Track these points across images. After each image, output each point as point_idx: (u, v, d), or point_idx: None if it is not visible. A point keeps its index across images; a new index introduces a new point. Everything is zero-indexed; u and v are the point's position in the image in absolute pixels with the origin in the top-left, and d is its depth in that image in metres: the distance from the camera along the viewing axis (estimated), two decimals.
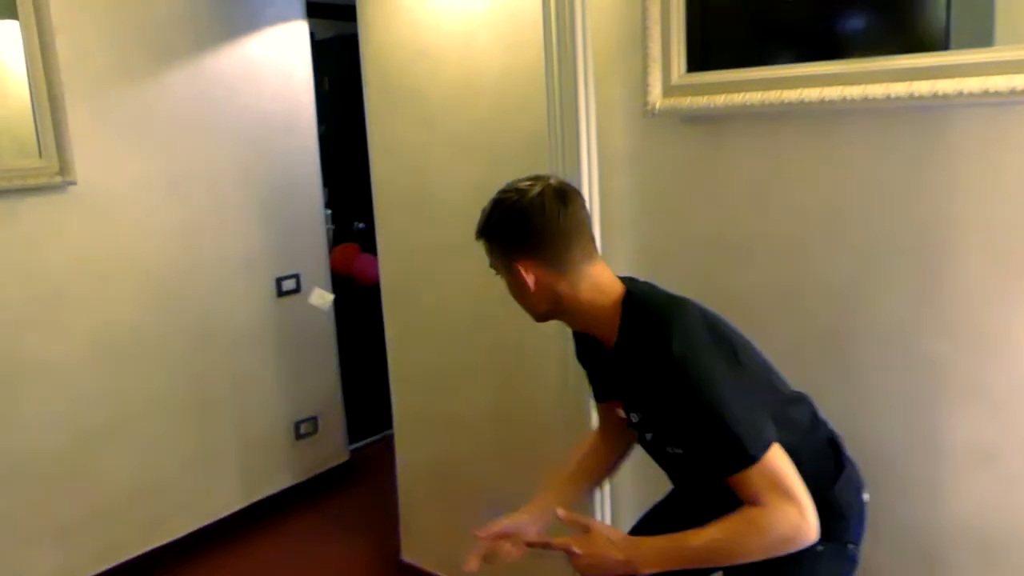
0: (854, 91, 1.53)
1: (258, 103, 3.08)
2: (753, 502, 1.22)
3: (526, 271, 1.37)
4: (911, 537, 1.65)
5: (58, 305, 2.56)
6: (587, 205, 1.90)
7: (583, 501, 1.75)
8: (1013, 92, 1.37)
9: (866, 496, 1.44)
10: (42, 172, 2.43)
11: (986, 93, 1.39)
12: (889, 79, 1.50)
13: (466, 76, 2.19)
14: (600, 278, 1.40)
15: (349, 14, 2.52)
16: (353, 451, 3.67)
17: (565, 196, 1.38)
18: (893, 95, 1.48)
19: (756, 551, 1.24)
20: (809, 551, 1.25)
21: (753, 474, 1.22)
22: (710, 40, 1.78)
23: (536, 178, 1.41)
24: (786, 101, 1.62)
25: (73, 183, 2.51)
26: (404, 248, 2.50)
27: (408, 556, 2.76)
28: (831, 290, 1.68)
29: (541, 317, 1.45)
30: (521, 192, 1.38)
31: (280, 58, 3.15)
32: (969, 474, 1.57)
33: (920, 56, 1.48)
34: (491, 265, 1.45)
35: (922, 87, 1.45)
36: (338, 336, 3.50)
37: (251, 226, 3.10)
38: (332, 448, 3.50)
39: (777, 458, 1.23)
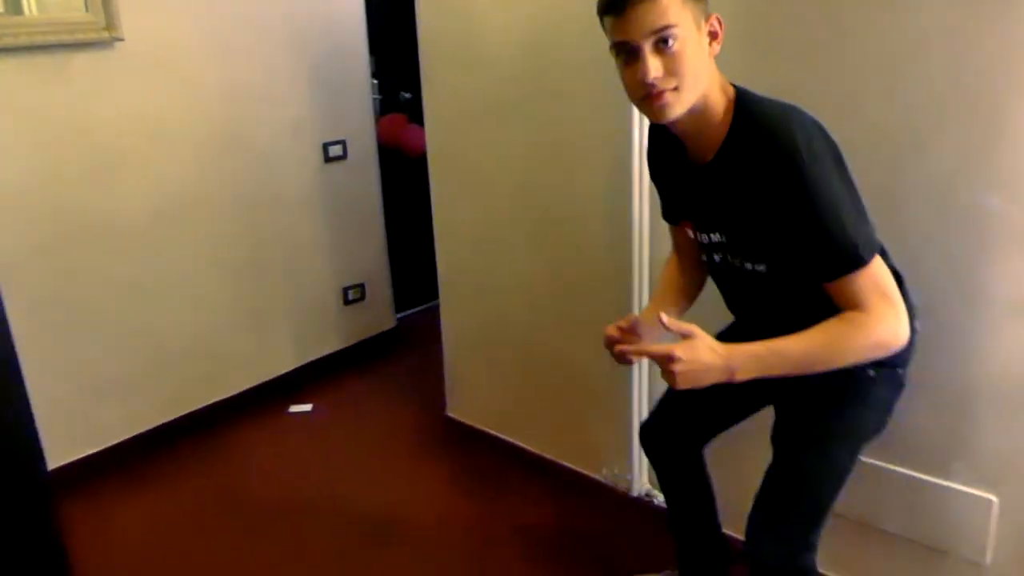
0: None
1: None
2: (855, 306, 1.24)
3: (721, 26, 1.28)
4: (946, 387, 1.66)
5: (112, 164, 2.62)
6: None
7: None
8: None
9: (918, 324, 1.41)
10: (89, 27, 2.44)
11: None
12: None
13: None
14: (719, 72, 1.32)
15: None
16: (400, 319, 3.76)
17: None
18: None
19: (855, 354, 1.26)
20: (864, 377, 1.31)
21: (861, 277, 1.23)
22: None
23: None
24: None
25: (120, 39, 2.51)
26: (451, 107, 2.48)
27: (453, 412, 2.87)
28: (884, 144, 1.62)
29: (692, 99, 1.27)
30: None
31: None
32: (1007, 327, 1.56)
33: None
34: (659, 28, 1.21)
35: None
36: (385, 208, 3.53)
37: (299, 90, 3.09)
38: (379, 314, 3.59)
39: (880, 264, 1.25)
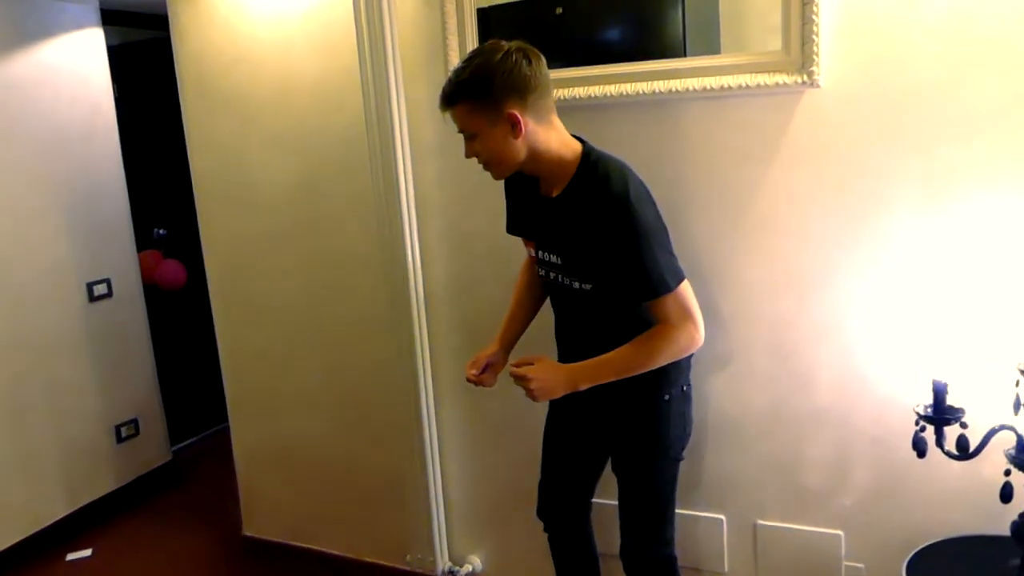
0: (611, 89, 1.95)
1: (56, 109, 3.08)
2: (663, 320, 1.60)
3: (522, 114, 1.55)
4: None
5: None
6: (404, 187, 2.24)
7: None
8: (724, 88, 1.84)
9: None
10: None
11: (706, 89, 1.86)
12: (638, 79, 1.93)
13: (284, 79, 2.40)
14: (563, 132, 1.65)
15: (143, 21, 2.62)
16: (177, 450, 3.72)
17: (535, 52, 1.59)
18: (640, 92, 1.92)
19: (663, 356, 1.62)
20: (661, 402, 1.71)
21: (668, 300, 1.58)
22: None
23: (493, 43, 1.59)
24: (562, 98, 2.00)
25: None
26: (229, 240, 2.66)
27: (250, 531, 2.92)
28: None
29: (510, 168, 1.63)
30: (495, 50, 1.56)
31: (77, 65, 3.17)
32: (711, 378, 2.04)
33: (660, 62, 1.92)
34: (463, 129, 1.61)
35: (661, 85, 1.90)
36: (153, 341, 3.53)
37: (57, 232, 3.09)
38: (155, 449, 3.53)
39: (686, 289, 1.61)
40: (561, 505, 2.01)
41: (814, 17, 1.72)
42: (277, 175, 2.51)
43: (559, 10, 2.10)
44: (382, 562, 2.66)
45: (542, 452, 2.01)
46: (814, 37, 1.73)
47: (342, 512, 2.71)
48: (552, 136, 1.62)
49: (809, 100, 1.80)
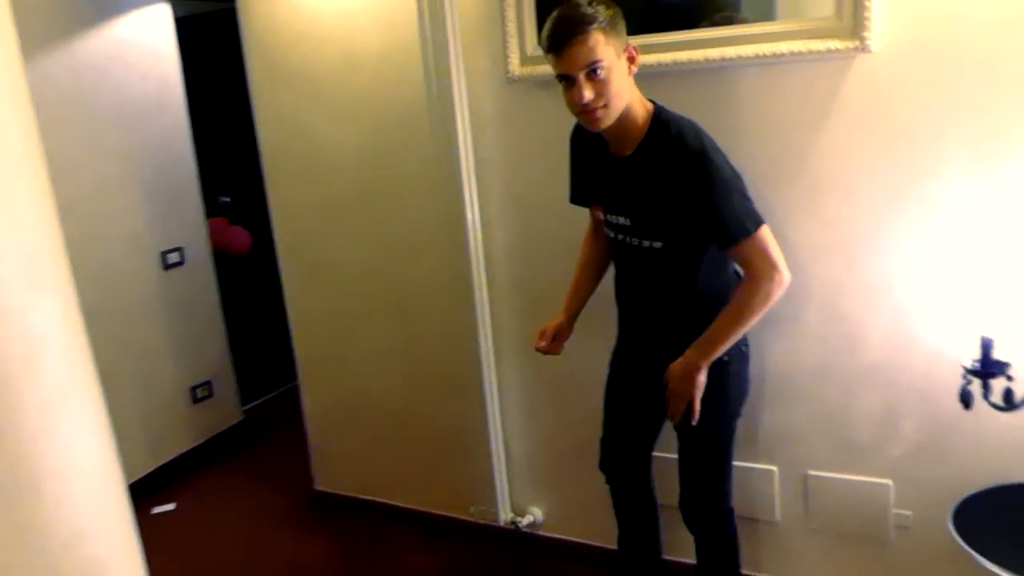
0: (674, 56, 2.01)
1: (128, 84, 3.24)
2: (745, 266, 1.68)
3: (636, 52, 1.64)
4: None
5: None
6: (463, 156, 2.34)
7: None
8: (777, 55, 1.89)
9: None
10: None
11: (759, 56, 1.91)
12: (693, 47, 1.99)
13: (347, 53, 2.51)
14: (637, 90, 1.69)
15: None
16: (248, 410, 3.92)
17: None
18: (694, 59, 1.98)
19: (760, 312, 1.69)
20: (720, 362, 1.77)
21: (748, 245, 1.64)
22: None
23: None
24: None
25: None
26: (296, 208, 2.79)
27: (321, 486, 3.10)
28: None
29: (618, 112, 1.64)
30: None
31: (147, 39, 3.32)
32: (768, 337, 2.12)
33: (715, 30, 1.97)
34: (593, 62, 1.56)
35: (714, 53, 1.96)
36: (223, 305, 3.72)
37: (133, 203, 3.27)
38: (228, 408, 3.74)
39: (765, 234, 1.66)
40: (623, 459, 2.10)
41: None
42: (343, 146, 2.62)
43: None
44: (448, 513, 2.81)
45: (604, 408, 2.09)
46: (866, 2, 1.77)
47: (408, 466, 2.87)
48: (635, 90, 1.68)
49: (861, 65, 1.84)
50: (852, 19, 1.80)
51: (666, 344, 1.83)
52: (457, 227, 2.39)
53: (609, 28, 1.57)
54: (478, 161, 2.36)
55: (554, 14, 1.61)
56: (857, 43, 1.80)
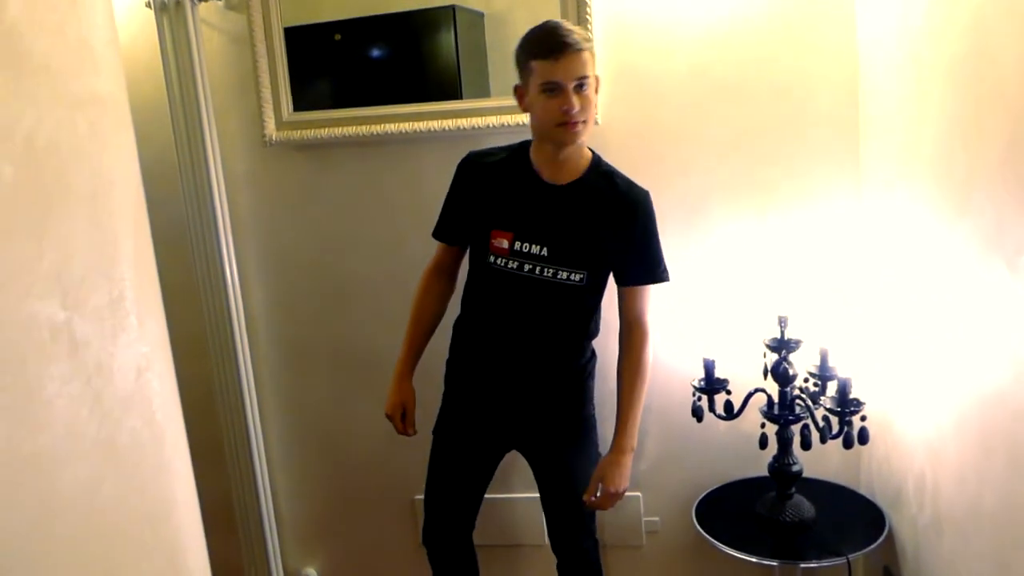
0: (414, 125, 2.17)
1: None
2: (640, 311, 1.85)
3: (597, 80, 1.70)
4: None
5: None
6: (219, 217, 2.29)
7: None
8: (497, 127, 2.12)
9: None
10: None
11: (476, 128, 2.13)
12: (430, 117, 2.17)
13: None
14: None
15: None
16: None
17: None
18: (431, 128, 2.16)
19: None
20: (587, 415, 1.93)
21: (650, 290, 1.84)
22: (308, 84, 2.27)
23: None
24: (371, 133, 2.20)
25: None
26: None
27: None
28: (412, 269, 2.04)
29: (586, 133, 1.70)
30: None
31: None
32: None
33: (441, 104, 2.17)
34: (582, 76, 1.63)
35: (444, 124, 2.16)
36: None
37: None
38: None
39: None
40: (455, 529, 2.01)
41: None
42: None
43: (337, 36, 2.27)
44: None
45: (435, 478, 1.98)
46: None
47: None
48: None
49: (590, 134, 2.12)
50: None
51: (542, 394, 1.88)
52: (215, 288, 2.33)
53: (592, 51, 1.67)
54: (234, 218, 2.33)
55: (543, 27, 1.66)
56: None
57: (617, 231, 1.77)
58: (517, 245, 1.77)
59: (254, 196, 2.36)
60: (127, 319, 0.87)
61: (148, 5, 2.18)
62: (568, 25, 1.66)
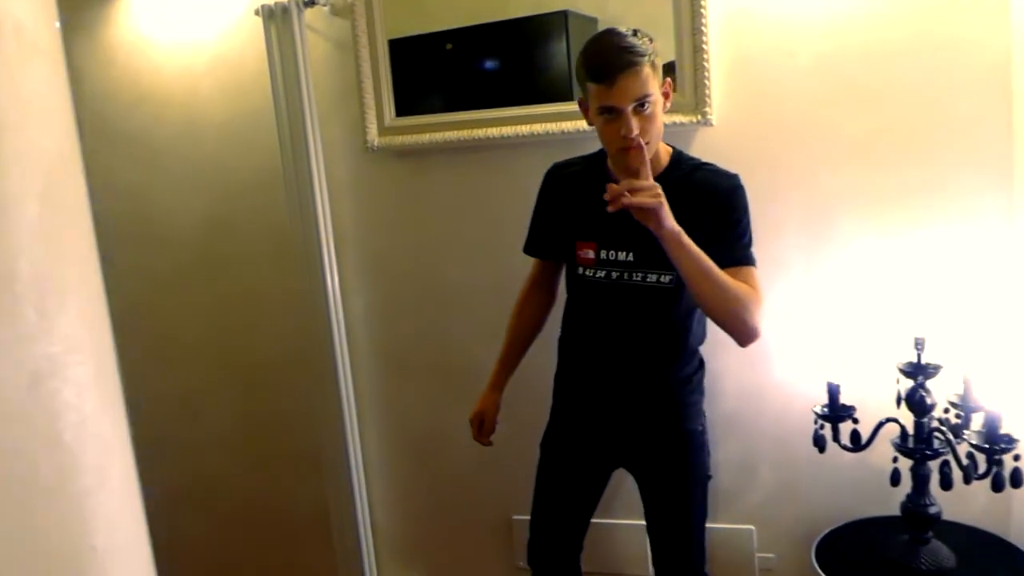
0: (519, 129, 2.09)
1: None
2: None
3: (672, 88, 1.59)
4: None
5: None
6: (322, 224, 2.28)
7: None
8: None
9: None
10: None
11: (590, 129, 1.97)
12: (537, 120, 2.08)
13: (190, 120, 2.40)
14: None
15: None
16: None
17: None
18: (535, 131, 2.08)
19: (742, 307, 1.55)
20: (696, 432, 1.76)
21: (753, 271, 1.60)
22: (412, 91, 2.23)
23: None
24: (474, 137, 2.13)
25: None
26: (133, 278, 2.59)
27: None
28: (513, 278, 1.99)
29: (651, 152, 1.55)
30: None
31: None
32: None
33: (551, 106, 2.08)
34: (641, 95, 1.49)
35: (550, 127, 2.06)
36: None
37: None
38: None
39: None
40: (562, 552, 1.93)
41: (705, 64, 1.92)
42: (184, 214, 2.50)
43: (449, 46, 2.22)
44: None
45: (541, 498, 1.90)
46: (706, 82, 1.92)
47: (266, 556, 2.69)
48: None
49: (703, 136, 1.99)
50: (694, 96, 1.95)
51: (640, 405, 1.76)
52: (317, 295, 2.32)
53: (654, 64, 1.53)
54: (336, 226, 2.32)
55: (596, 43, 1.55)
56: (699, 117, 1.95)
57: (701, 220, 1.58)
58: (603, 254, 1.70)
59: (355, 204, 2.34)
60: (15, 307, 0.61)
61: (257, 13, 2.20)
62: (626, 39, 1.51)
